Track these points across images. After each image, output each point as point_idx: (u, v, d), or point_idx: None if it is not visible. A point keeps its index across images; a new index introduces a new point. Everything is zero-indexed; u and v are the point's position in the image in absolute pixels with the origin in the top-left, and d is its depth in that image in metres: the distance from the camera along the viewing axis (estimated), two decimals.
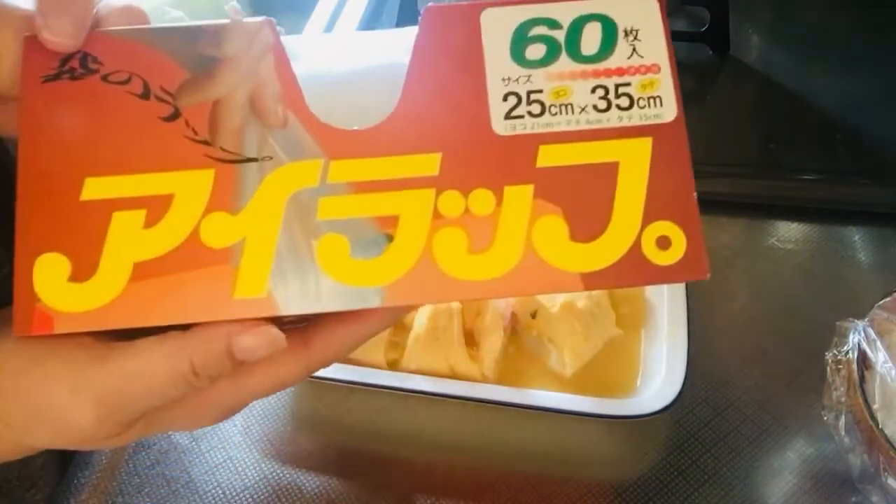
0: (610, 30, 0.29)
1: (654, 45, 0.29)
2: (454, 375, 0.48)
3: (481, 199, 0.27)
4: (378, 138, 0.27)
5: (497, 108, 0.28)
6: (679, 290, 0.51)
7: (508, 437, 0.49)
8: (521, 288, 0.27)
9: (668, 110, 0.28)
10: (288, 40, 0.28)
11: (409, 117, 0.28)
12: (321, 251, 0.26)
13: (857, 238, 0.61)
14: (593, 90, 0.28)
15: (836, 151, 0.67)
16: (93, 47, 0.28)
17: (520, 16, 0.29)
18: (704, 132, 0.70)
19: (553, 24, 0.29)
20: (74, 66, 0.28)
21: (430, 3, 0.29)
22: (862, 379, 0.45)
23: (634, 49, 0.29)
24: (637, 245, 0.27)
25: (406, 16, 0.81)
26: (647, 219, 0.27)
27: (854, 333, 0.47)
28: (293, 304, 0.26)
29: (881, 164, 0.66)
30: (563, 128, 0.28)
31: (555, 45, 0.28)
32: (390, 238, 0.26)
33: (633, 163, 0.27)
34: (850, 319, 0.48)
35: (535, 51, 0.28)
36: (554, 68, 0.28)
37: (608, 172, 0.27)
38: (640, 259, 0.27)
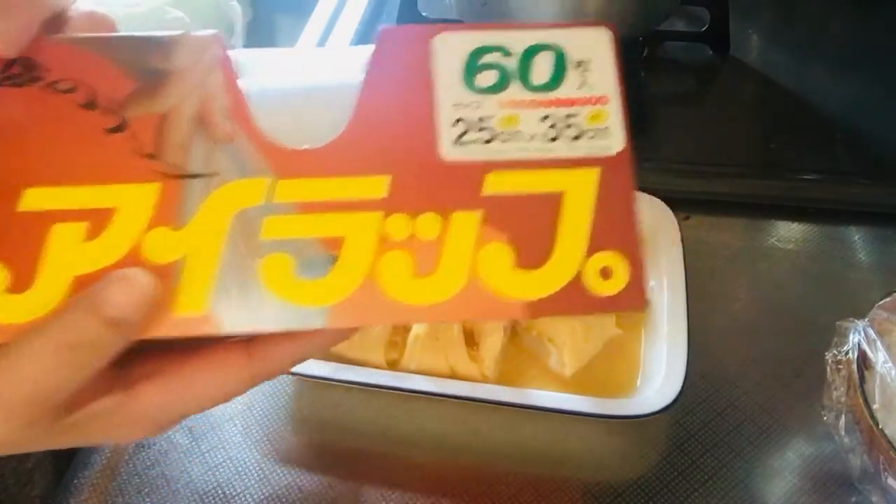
0: (561, 60, 0.29)
1: (604, 77, 0.29)
2: (454, 375, 0.48)
3: (428, 224, 0.27)
4: (326, 158, 0.27)
5: (447, 134, 0.28)
6: (679, 290, 0.51)
7: (508, 437, 0.49)
8: (464, 313, 0.27)
9: (616, 142, 0.28)
10: (239, 55, 0.28)
11: (359, 139, 0.28)
12: (265, 270, 0.26)
13: (857, 238, 0.61)
14: (542, 119, 0.28)
15: (836, 151, 0.67)
16: (39, 54, 0.27)
17: (473, 42, 0.29)
18: (704, 132, 0.70)
19: (505, 52, 0.29)
20: (18, 73, 0.27)
21: (384, 26, 0.29)
22: (862, 379, 0.45)
23: (585, 80, 0.29)
24: (580, 274, 0.27)
25: (406, 16, 0.81)
26: (592, 248, 0.27)
27: (854, 333, 0.47)
28: (235, 323, 0.26)
29: (881, 164, 0.66)
30: (512, 156, 0.28)
31: (506, 72, 0.29)
32: (335, 259, 0.26)
33: (580, 193, 0.28)
34: (850, 319, 0.48)
35: (487, 77, 0.28)
36: (504, 96, 0.28)
37: (554, 201, 0.27)
38: (583, 288, 0.27)
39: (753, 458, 0.48)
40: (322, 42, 0.83)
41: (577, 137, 0.28)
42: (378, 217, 0.27)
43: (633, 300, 0.27)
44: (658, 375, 0.47)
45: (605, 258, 0.27)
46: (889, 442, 0.42)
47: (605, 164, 0.28)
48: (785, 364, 0.52)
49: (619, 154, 0.28)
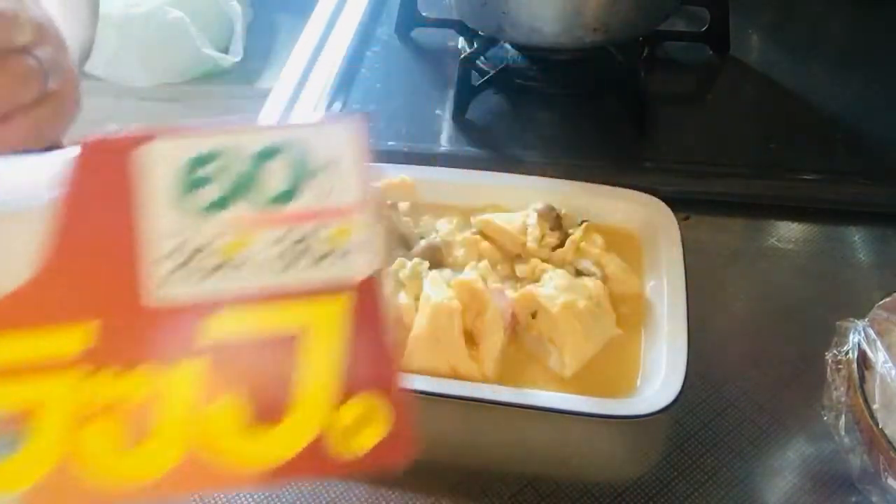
0: (299, 165, 0.24)
1: (351, 184, 0.24)
2: (455, 375, 0.48)
3: (139, 381, 0.23)
4: (14, 307, 0.23)
5: (159, 268, 0.23)
6: (679, 289, 0.51)
7: (508, 437, 0.49)
8: (184, 488, 0.23)
9: (365, 263, 0.24)
10: None
11: (55, 280, 0.23)
12: None
13: (857, 238, 0.61)
14: (277, 241, 0.24)
15: (836, 151, 0.67)
16: None
17: (191, 149, 0.24)
18: (704, 132, 0.70)
19: (230, 160, 0.24)
20: None
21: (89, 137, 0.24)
22: (862, 379, 0.45)
23: (328, 188, 0.24)
24: (328, 428, 0.23)
25: (406, 16, 0.81)
26: (342, 394, 0.23)
27: (854, 333, 0.47)
28: None
29: (881, 164, 0.66)
30: (240, 289, 0.23)
31: (231, 185, 0.24)
32: (27, 434, 0.22)
33: (324, 329, 0.23)
34: (850, 319, 0.48)
35: (208, 193, 0.24)
36: (229, 215, 0.24)
37: (294, 342, 0.23)
38: (331, 445, 0.23)
39: (753, 457, 0.48)
40: (322, 42, 0.83)
41: (318, 260, 0.24)
42: (77, 377, 0.22)
43: (395, 452, 0.24)
44: (658, 375, 0.47)
45: (359, 405, 0.23)
46: (889, 442, 0.42)
47: (353, 290, 0.24)
48: (785, 364, 0.52)
49: (369, 277, 0.24)
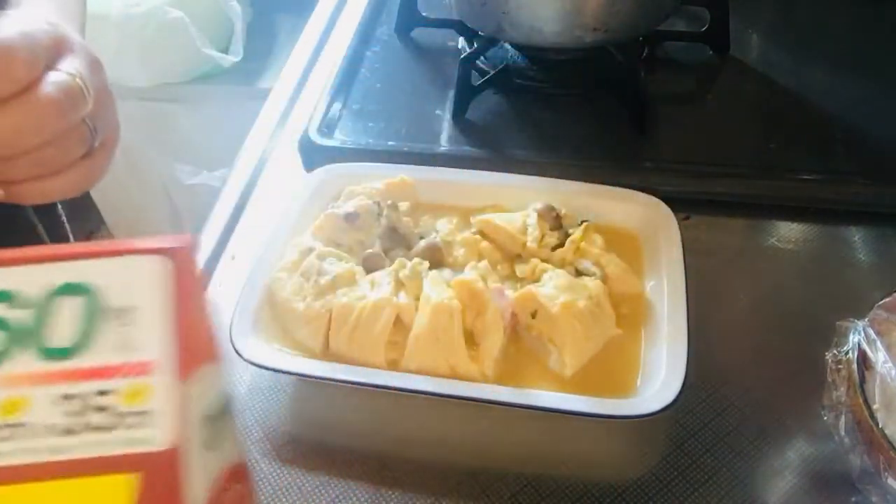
0: (93, 308, 0.21)
1: (153, 333, 0.21)
2: (454, 375, 0.48)
3: None
4: None
5: None
6: (679, 290, 0.51)
7: (508, 437, 0.49)
8: None
9: (162, 431, 0.20)
10: None
11: None
12: None
13: (857, 238, 0.61)
14: (61, 400, 0.20)
15: (836, 151, 0.67)
16: None
17: None
18: (704, 132, 0.70)
19: (13, 301, 0.21)
20: None
21: None
22: (862, 379, 0.45)
23: (125, 338, 0.21)
24: None
25: (406, 16, 0.81)
26: None
27: (854, 333, 0.47)
28: None
29: (881, 164, 0.66)
30: (13, 460, 0.20)
31: (12, 331, 0.20)
32: None
33: None
34: (850, 319, 0.48)
35: None
36: (8, 368, 0.20)
37: None
38: None
39: (753, 457, 0.48)
40: (322, 42, 0.83)
41: (108, 427, 0.20)
42: None
43: None
44: (658, 375, 0.47)
45: None
46: (889, 442, 0.42)
47: (146, 465, 0.20)
48: (785, 364, 0.52)
49: (166, 450, 0.20)
